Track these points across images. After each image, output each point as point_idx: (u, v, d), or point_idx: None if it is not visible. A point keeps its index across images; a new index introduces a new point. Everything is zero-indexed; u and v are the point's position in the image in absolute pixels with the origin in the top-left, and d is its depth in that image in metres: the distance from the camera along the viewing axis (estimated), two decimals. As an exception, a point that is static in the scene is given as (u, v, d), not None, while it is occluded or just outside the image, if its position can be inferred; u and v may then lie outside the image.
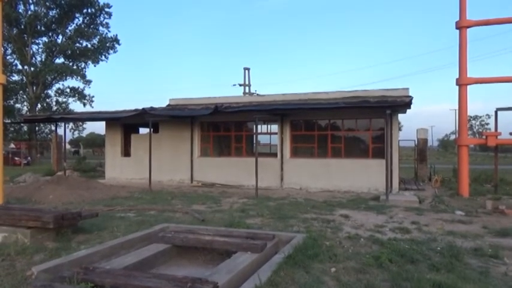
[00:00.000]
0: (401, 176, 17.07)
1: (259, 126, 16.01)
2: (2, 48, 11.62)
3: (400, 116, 15.74)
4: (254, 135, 16.31)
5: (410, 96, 14.66)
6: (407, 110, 16.20)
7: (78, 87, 44.15)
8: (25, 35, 39.91)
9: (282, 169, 16.46)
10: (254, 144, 16.78)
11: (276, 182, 16.40)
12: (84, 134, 70.36)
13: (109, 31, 43.43)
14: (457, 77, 14.24)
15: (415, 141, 21.67)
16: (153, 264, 5.86)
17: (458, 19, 14.16)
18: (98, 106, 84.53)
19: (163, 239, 6.53)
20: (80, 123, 48.20)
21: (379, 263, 5.55)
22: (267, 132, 19.40)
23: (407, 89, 15.80)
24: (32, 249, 6.22)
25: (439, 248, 6.46)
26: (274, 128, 18.02)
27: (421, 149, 21.13)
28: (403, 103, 13.71)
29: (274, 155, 17.43)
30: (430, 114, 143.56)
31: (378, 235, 7.57)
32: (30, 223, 6.68)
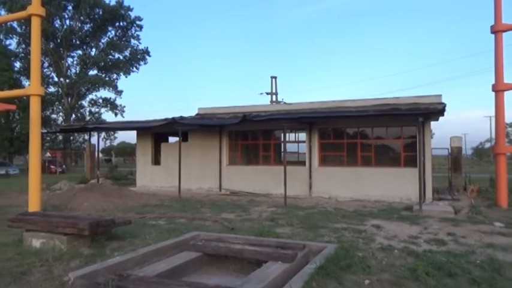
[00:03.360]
0: (434, 186, 16.52)
1: (287, 135, 15.95)
2: (40, 62, 12.18)
3: (432, 124, 15.31)
4: (282, 144, 16.27)
5: (443, 103, 14.26)
6: (440, 118, 15.76)
7: (110, 98, 45.79)
8: (61, 49, 41.77)
9: (310, 178, 16.30)
10: (282, 153, 16.73)
11: (305, 191, 16.25)
12: (116, 143, 72.45)
13: (140, 43, 44.87)
14: (493, 82, 13.73)
15: (448, 149, 20.98)
16: (185, 272, 5.89)
17: (493, 23, 13.70)
18: (128, 116, 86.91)
19: (194, 247, 6.57)
20: (112, 132, 49.69)
21: (415, 276, 5.36)
22: (295, 141, 19.32)
23: (440, 95, 15.39)
24: (68, 255, 6.41)
25: (478, 261, 6.18)
26: (302, 136, 17.93)
27: (455, 158, 20.44)
28: (436, 110, 13.35)
29: (303, 163, 17.30)
30: (462, 122, 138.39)
31: (412, 246, 7.33)
32: (67, 230, 6.88)
